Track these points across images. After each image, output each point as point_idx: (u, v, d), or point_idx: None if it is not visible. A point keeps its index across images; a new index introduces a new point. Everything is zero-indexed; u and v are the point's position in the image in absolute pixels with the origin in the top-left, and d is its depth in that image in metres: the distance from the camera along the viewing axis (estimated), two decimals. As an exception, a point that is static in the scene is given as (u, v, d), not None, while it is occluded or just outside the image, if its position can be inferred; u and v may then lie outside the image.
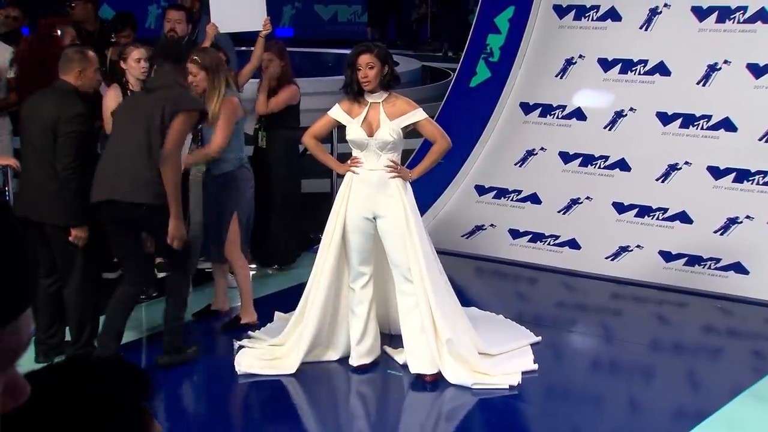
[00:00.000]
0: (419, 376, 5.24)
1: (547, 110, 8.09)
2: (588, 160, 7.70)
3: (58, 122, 5.09)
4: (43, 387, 1.24)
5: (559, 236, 7.45)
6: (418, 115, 5.28)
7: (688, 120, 7.40)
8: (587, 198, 7.54)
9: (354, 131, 5.27)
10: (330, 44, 13.91)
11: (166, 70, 5.27)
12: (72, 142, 5.11)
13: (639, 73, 7.75)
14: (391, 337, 5.67)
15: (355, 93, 5.26)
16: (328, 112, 5.41)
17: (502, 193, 7.95)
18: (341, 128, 5.61)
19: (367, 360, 5.43)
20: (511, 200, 7.87)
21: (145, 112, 5.13)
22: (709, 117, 7.32)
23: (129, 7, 10.85)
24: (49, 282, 5.41)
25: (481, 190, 8.06)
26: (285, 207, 6.97)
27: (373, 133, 5.24)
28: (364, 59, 5.20)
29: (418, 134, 5.48)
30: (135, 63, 6.01)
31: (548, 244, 7.46)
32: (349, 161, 5.38)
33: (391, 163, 5.27)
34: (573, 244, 7.38)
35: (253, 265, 6.88)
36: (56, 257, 5.31)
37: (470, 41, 8.72)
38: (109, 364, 1.33)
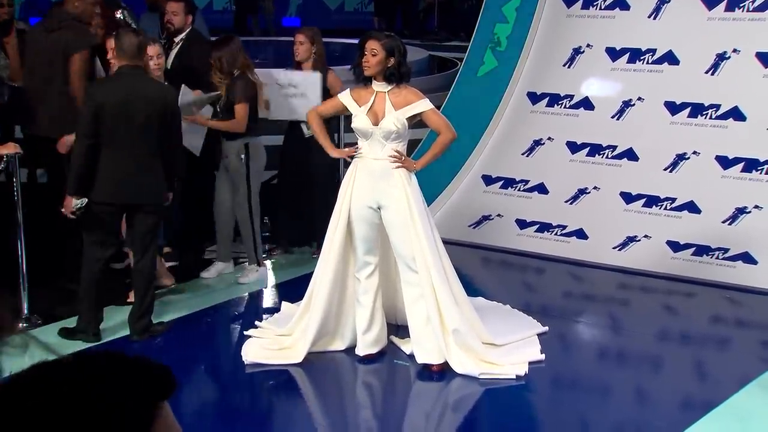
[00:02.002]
0: (426, 366, 5.24)
1: (554, 100, 8.06)
2: (596, 149, 7.67)
3: (167, 106, 5.54)
4: (51, 385, 1.23)
5: (567, 226, 7.43)
6: (423, 105, 5.27)
7: (697, 109, 7.37)
8: (595, 188, 7.52)
9: (360, 119, 5.29)
10: (337, 34, 13.83)
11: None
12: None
13: (647, 62, 7.71)
14: (398, 328, 5.66)
15: (360, 77, 5.30)
16: (338, 95, 5.52)
17: (509, 183, 7.93)
18: (348, 119, 5.60)
19: (374, 350, 5.43)
20: (519, 190, 7.85)
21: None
22: (717, 106, 7.29)
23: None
24: (138, 258, 5.68)
25: (488, 180, 8.04)
26: (324, 192, 6.88)
27: (378, 122, 5.25)
28: (370, 45, 5.25)
29: (424, 124, 5.47)
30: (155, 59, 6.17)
31: (555, 234, 7.44)
32: (347, 149, 5.47)
33: (396, 153, 5.26)
34: (580, 234, 7.35)
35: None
36: (139, 235, 5.60)
37: (477, 30, 8.69)
38: (127, 361, 1.32)
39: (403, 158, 5.30)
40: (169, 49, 6.99)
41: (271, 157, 6.96)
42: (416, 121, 5.35)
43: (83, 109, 5.48)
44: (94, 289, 5.55)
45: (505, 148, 8.10)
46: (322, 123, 5.55)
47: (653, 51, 7.70)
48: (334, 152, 5.53)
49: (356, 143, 5.42)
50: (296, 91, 6.79)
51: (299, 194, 7.13)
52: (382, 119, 5.24)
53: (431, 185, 7.21)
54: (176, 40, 7.16)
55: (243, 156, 6.55)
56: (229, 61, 6.53)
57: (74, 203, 5.45)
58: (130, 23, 7.09)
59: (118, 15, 7.18)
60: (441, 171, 7.49)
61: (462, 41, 16.67)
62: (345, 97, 5.39)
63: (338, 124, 6.88)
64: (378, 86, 5.30)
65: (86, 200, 5.44)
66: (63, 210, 5.49)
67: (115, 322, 5.83)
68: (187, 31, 7.17)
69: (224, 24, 16.93)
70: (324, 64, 7.02)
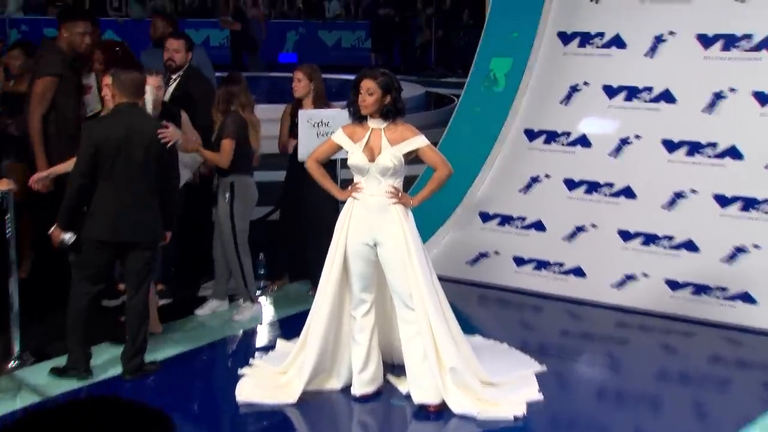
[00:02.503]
0: (423, 406, 5.17)
1: (551, 137, 8.05)
2: (593, 187, 7.65)
3: (156, 139, 5.50)
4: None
5: (564, 264, 7.39)
6: (419, 141, 5.27)
7: (694, 147, 7.36)
8: (592, 225, 7.48)
9: (355, 156, 5.27)
10: (334, 70, 13.86)
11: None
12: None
13: (644, 101, 7.71)
14: (394, 367, 5.60)
15: (356, 115, 5.30)
16: (332, 136, 5.46)
17: (506, 219, 7.90)
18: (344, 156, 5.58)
19: (370, 389, 5.36)
20: (516, 227, 7.81)
21: None
22: (715, 144, 7.28)
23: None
24: (132, 295, 5.63)
25: (485, 216, 8.01)
26: (322, 228, 6.82)
27: (374, 158, 5.24)
28: (366, 84, 5.25)
29: (421, 161, 5.44)
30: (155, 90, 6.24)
31: (553, 271, 7.39)
32: (350, 187, 5.37)
33: (392, 189, 5.25)
34: (578, 271, 7.31)
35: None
36: (134, 272, 5.56)
37: (474, 66, 8.70)
38: (122, 406, 1.28)
39: (400, 194, 5.29)
40: (167, 85, 7.00)
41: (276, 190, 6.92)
42: (413, 158, 5.34)
43: (81, 146, 5.44)
44: (82, 324, 5.48)
45: (503, 185, 8.08)
46: (321, 168, 5.52)
47: (650, 89, 7.70)
48: (341, 195, 5.47)
49: (353, 179, 5.39)
50: (327, 129, 6.82)
51: (301, 227, 7.10)
52: (378, 155, 5.24)
53: (428, 221, 7.17)
54: (174, 76, 7.18)
55: (227, 194, 6.52)
56: (225, 99, 6.55)
57: (63, 237, 5.41)
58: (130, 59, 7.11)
59: (117, 49, 7.19)
60: (438, 207, 7.46)
61: (459, 77, 16.70)
62: (339, 137, 5.39)
63: (335, 161, 6.84)
64: (374, 123, 5.30)
65: (74, 236, 5.40)
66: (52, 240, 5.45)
67: (108, 360, 5.75)
68: (185, 67, 7.20)
69: (222, 60, 16.97)
70: (324, 100, 7.04)
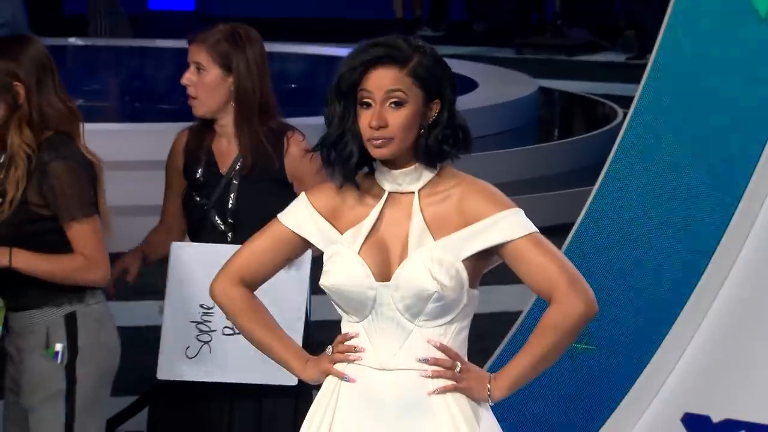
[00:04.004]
0: None
1: None
2: None
3: None
4: None
5: None
6: (508, 224, 2.19)
7: None
8: None
9: (344, 267, 2.20)
10: (295, 32, 10.98)
11: None
12: None
13: None
14: None
15: (349, 169, 2.20)
16: (279, 217, 2.28)
17: None
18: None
19: None
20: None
21: None
22: None
23: None
24: None
25: (699, 426, 3.44)
26: None
27: (390, 271, 2.20)
28: (383, 78, 2.15)
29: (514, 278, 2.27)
30: None
31: None
32: (330, 348, 2.25)
33: (438, 355, 2.20)
34: None
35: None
36: None
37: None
38: None
39: (460, 366, 2.21)
40: None
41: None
42: (495, 265, 2.31)
43: None
44: None
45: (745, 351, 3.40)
46: (258, 305, 2.30)
47: None
48: (306, 371, 2.27)
49: (337, 330, 2.28)
50: None
51: None
52: (400, 263, 2.19)
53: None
54: None
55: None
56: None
57: None
58: None
59: None
60: (569, 400, 3.45)
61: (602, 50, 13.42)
62: (297, 217, 2.27)
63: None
64: (392, 180, 2.22)
65: None
66: None
67: None
68: None
69: None
70: (273, 119, 4.02)
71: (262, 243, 2.29)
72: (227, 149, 3.16)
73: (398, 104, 2.14)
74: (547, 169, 7.13)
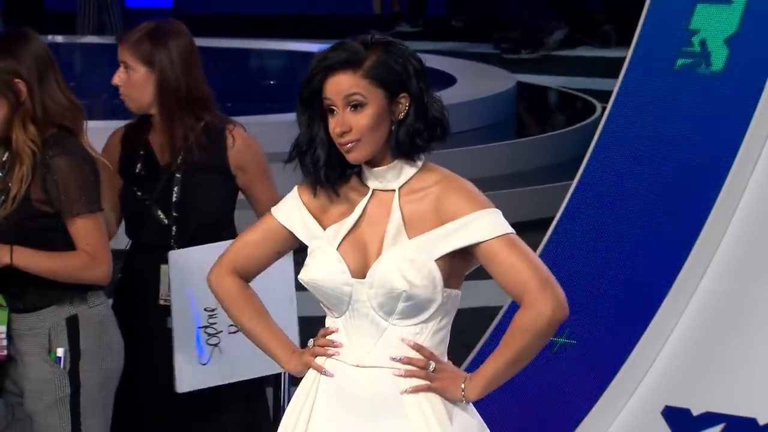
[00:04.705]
0: None
1: None
2: None
3: None
4: None
5: None
6: (483, 222, 2.18)
7: None
8: None
9: (322, 262, 2.21)
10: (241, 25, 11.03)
11: None
12: None
13: None
14: None
15: (319, 175, 2.21)
16: (272, 210, 2.31)
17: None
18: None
19: None
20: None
21: None
22: None
23: None
24: None
25: (679, 419, 3.46)
26: None
27: (366, 266, 2.20)
28: (339, 84, 2.16)
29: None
30: None
31: None
32: (312, 342, 2.27)
33: (412, 354, 2.20)
34: None
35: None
36: None
37: (644, 24, 3.70)
38: None
39: (435, 366, 2.20)
40: None
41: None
42: (475, 268, 2.27)
43: None
44: None
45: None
46: (253, 297, 2.35)
47: None
48: (292, 363, 2.30)
49: (321, 324, 2.30)
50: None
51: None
52: (375, 258, 2.20)
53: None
54: None
55: None
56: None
57: None
58: None
59: None
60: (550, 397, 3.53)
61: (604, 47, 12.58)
62: (288, 211, 2.28)
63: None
64: (375, 178, 2.23)
65: None
66: None
67: None
68: None
69: None
70: (207, 111, 3.45)
71: (255, 235, 2.32)
72: (165, 142, 3.15)
73: (357, 106, 2.15)
74: (525, 164, 7.13)
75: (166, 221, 3.16)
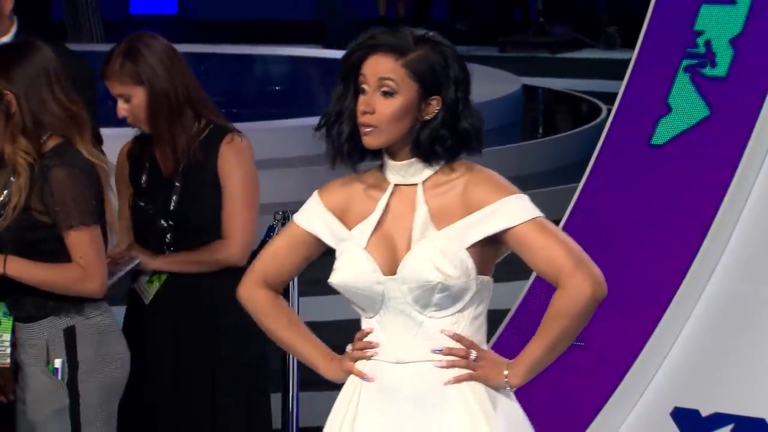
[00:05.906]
0: None
1: None
2: None
3: None
4: None
5: None
6: (512, 209, 2.18)
7: None
8: None
9: (351, 263, 2.20)
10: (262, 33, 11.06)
11: None
12: None
13: None
14: None
15: (347, 154, 2.19)
16: (294, 217, 2.30)
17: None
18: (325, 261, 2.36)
19: None
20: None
21: None
22: None
23: None
24: None
25: (688, 420, 3.47)
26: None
27: (398, 264, 2.18)
28: (378, 65, 2.15)
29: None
30: None
31: None
32: (350, 347, 2.24)
33: (452, 344, 2.19)
34: None
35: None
36: None
37: (650, 22, 3.74)
38: None
39: (476, 354, 2.19)
40: None
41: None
42: (505, 256, 2.26)
43: None
44: None
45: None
46: (286, 308, 2.36)
47: None
48: (332, 370, 2.26)
49: (357, 327, 2.28)
50: None
51: None
52: (405, 255, 2.18)
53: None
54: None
55: None
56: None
57: None
58: None
59: None
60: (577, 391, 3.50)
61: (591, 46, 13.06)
62: (312, 216, 2.25)
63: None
64: (396, 172, 2.21)
65: None
66: None
67: None
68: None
69: None
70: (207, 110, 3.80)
71: (281, 243, 2.31)
72: (168, 151, 3.14)
73: (388, 93, 2.13)
74: (532, 167, 7.13)
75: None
